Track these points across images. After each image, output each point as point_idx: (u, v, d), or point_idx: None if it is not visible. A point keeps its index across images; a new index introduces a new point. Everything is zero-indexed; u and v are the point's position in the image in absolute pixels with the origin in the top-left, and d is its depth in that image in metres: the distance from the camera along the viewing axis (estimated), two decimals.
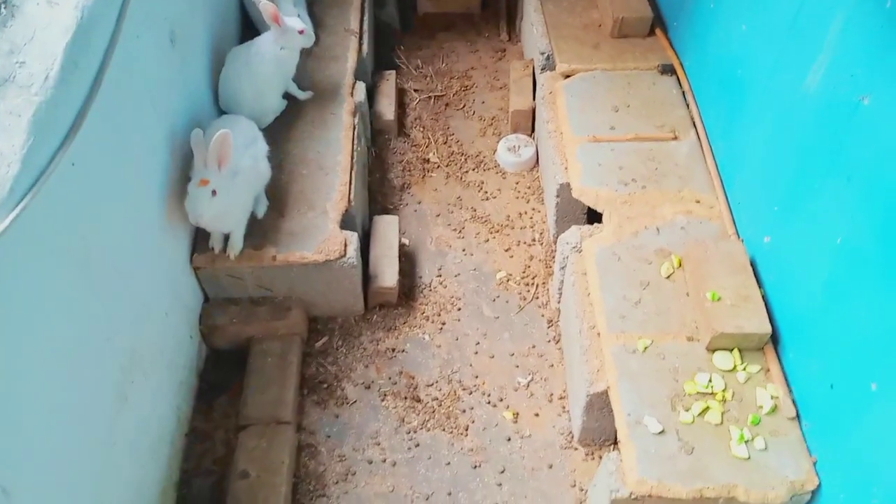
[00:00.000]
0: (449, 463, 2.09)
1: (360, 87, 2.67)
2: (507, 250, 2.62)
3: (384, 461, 2.08)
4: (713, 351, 1.89)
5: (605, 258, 2.09)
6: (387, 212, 2.69)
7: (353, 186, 2.34)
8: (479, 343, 2.36)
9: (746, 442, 1.74)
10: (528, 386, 2.25)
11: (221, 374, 2.23)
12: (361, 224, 2.48)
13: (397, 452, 2.10)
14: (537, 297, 2.48)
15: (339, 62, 2.71)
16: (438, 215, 2.72)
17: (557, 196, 2.43)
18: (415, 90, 3.17)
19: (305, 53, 2.52)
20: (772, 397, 1.80)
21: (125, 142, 1.72)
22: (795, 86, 1.82)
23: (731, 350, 1.88)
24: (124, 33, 1.64)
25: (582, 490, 2.02)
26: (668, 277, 2.04)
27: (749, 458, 1.72)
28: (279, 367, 2.16)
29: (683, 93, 2.56)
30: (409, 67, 3.28)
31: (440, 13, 3.48)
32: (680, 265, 2.06)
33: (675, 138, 2.42)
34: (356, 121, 2.53)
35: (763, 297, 1.90)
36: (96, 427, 1.57)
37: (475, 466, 2.08)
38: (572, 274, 2.14)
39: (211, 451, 2.07)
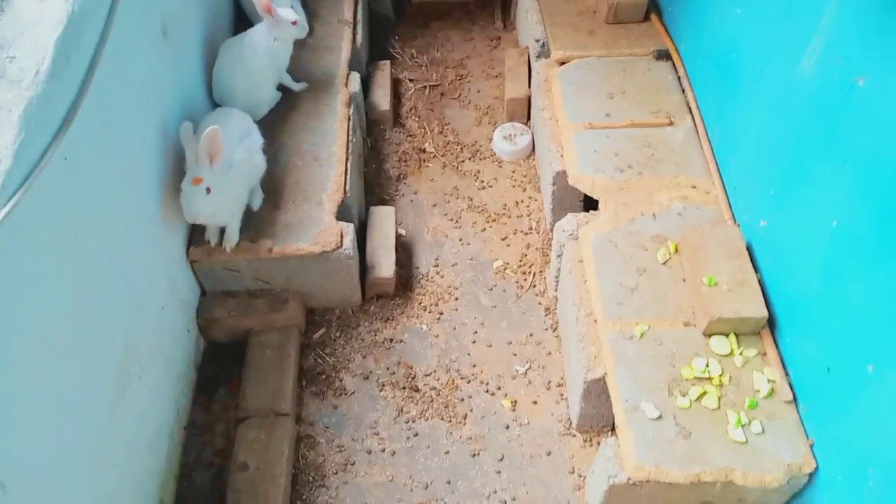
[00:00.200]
0: (448, 451, 2.09)
1: (355, 78, 2.66)
2: (503, 239, 2.61)
3: (383, 451, 2.09)
4: (710, 336, 1.89)
5: (601, 245, 2.09)
6: (383, 202, 2.69)
7: (348, 177, 2.33)
8: (476, 332, 2.36)
9: (743, 426, 1.74)
10: (525, 374, 2.26)
11: (220, 367, 2.24)
12: (358, 215, 2.48)
13: (396, 442, 2.11)
14: (534, 286, 2.48)
15: (334, 53, 2.70)
16: (435, 205, 2.72)
17: (553, 184, 2.42)
18: (410, 80, 3.16)
19: (299, 44, 2.51)
20: (769, 381, 1.80)
21: (118, 136, 1.72)
22: (790, 69, 1.81)
23: (728, 335, 1.88)
24: (116, 27, 1.63)
25: (580, 476, 2.03)
26: (665, 263, 2.04)
27: (746, 441, 1.72)
28: (277, 359, 2.16)
29: (679, 78, 2.55)
30: (404, 57, 3.27)
31: (434, 2, 3.47)
32: (676, 251, 2.06)
33: (671, 124, 2.41)
34: (351, 111, 2.52)
35: (759, 281, 1.90)
36: (94, 421, 1.58)
37: (474, 454, 2.09)
38: (569, 261, 2.14)
39: (210, 443, 2.08)
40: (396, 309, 2.42)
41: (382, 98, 2.91)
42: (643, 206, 2.18)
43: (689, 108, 2.44)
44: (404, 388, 2.22)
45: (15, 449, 1.28)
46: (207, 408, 2.15)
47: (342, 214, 2.25)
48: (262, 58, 2.33)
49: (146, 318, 1.86)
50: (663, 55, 2.63)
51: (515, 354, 2.31)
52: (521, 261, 2.55)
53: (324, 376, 2.24)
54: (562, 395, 2.20)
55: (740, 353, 1.86)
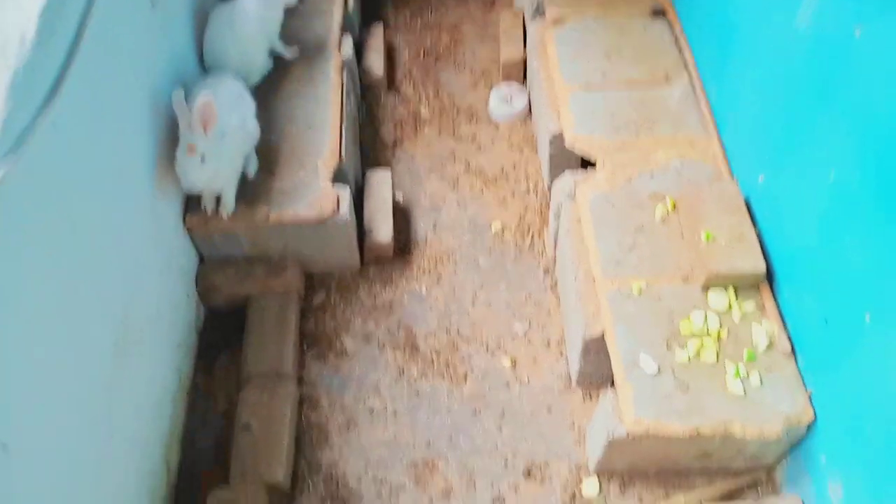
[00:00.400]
0: (449, 410, 2.11)
1: (348, 42, 2.63)
2: (501, 202, 2.61)
3: (385, 410, 2.11)
4: (708, 291, 1.90)
5: (599, 205, 2.09)
6: (379, 167, 2.67)
7: (343, 143, 2.32)
8: (475, 294, 2.37)
9: (742, 379, 1.76)
10: (525, 333, 2.27)
11: (220, 333, 2.25)
12: (354, 181, 2.47)
13: (398, 402, 2.13)
14: (533, 247, 2.48)
15: (325, 17, 2.67)
16: (432, 169, 2.71)
17: (551, 145, 2.41)
18: (404, 44, 3.13)
19: (290, 10, 2.48)
20: (767, 334, 1.81)
21: (108, 104, 1.70)
22: (787, 22, 1.80)
23: (726, 289, 1.89)
24: None
25: (580, 431, 2.06)
26: (663, 221, 2.04)
27: (745, 394, 1.74)
28: (278, 323, 2.17)
29: (675, 37, 2.53)
30: (398, 21, 3.23)
31: None
32: (674, 208, 2.06)
33: (668, 82, 2.39)
34: (344, 76, 2.50)
35: (757, 236, 1.90)
36: (95, 384, 1.59)
37: (475, 412, 2.11)
38: (567, 221, 2.15)
39: (213, 407, 2.10)
40: (395, 273, 2.42)
41: (376, 63, 2.89)
42: (641, 165, 2.17)
43: (686, 66, 2.43)
44: (405, 349, 2.24)
45: (17, 410, 1.29)
46: (209, 373, 2.17)
47: (338, 179, 2.24)
48: (252, 25, 2.29)
49: (144, 284, 1.86)
50: (659, 12, 2.61)
51: (515, 315, 2.32)
52: (519, 223, 2.55)
53: (325, 339, 2.26)
54: (561, 353, 2.22)
55: (739, 308, 1.87)
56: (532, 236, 2.50)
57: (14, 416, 1.29)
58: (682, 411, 1.72)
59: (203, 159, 1.88)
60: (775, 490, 1.92)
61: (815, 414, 1.71)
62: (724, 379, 1.76)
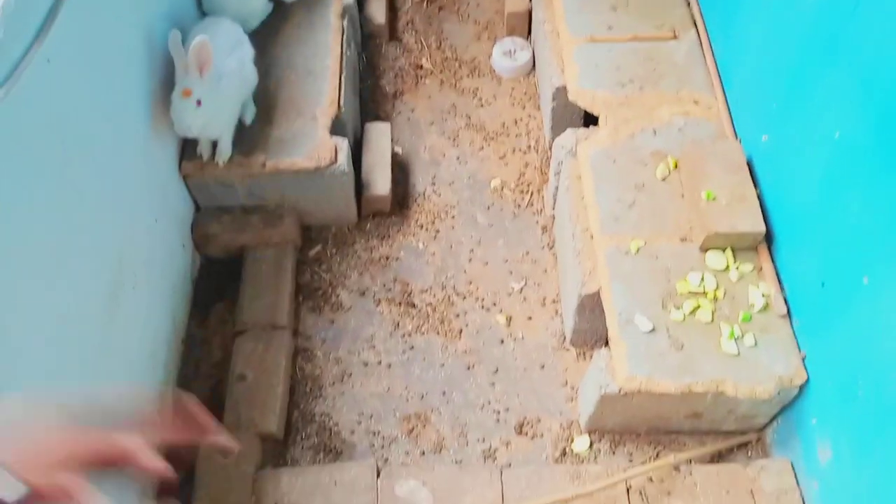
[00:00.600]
0: (443, 364, 2.12)
1: None
2: (501, 158, 2.58)
3: (379, 363, 2.12)
4: (706, 251, 1.88)
5: (600, 161, 2.05)
6: (379, 120, 2.64)
7: (342, 92, 2.28)
8: (472, 250, 2.36)
9: (736, 339, 1.75)
10: (521, 291, 2.26)
11: (216, 283, 2.24)
12: (353, 132, 2.44)
13: (392, 355, 2.13)
14: (532, 205, 2.46)
15: None
16: (432, 123, 2.67)
17: (553, 100, 2.37)
18: None
19: None
20: (763, 295, 1.80)
21: (103, 42, 1.66)
22: None
23: (725, 250, 1.87)
24: None
25: (573, 388, 2.06)
26: (664, 179, 2.01)
27: (738, 354, 1.74)
28: (274, 274, 2.17)
29: None
30: None
31: None
32: (676, 167, 2.03)
33: (675, 38, 2.34)
34: (345, 23, 2.44)
35: (759, 196, 1.88)
36: (89, 327, 1.59)
37: (469, 367, 2.11)
38: (567, 178, 2.12)
39: (208, 356, 2.10)
40: (393, 227, 2.40)
41: (378, 11, 2.82)
42: (644, 121, 2.13)
43: (694, 21, 2.37)
44: (400, 304, 2.23)
45: (9, 354, 1.29)
46: (204, 322, 2.17)
47: (336, 130, 2.21)
48: None
49: (138, 229, 1.85)
50: None
51: (511, 272, 2.31)
52: (518, 180, 2.52)
53: (320, 292, 2.25)
54: (556, 311, 2.21)
55: (736, 268, 1.85)
56: (531, 194, 2.48)
57: (6, 361, 1.28)
58: (675, 369, 1.72)
59: (199, 103, 1.85)
60: (765, 453, 1.93)
61: (807, 375, 1.71)
62: (719, 339, 1.76)
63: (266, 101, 2.21)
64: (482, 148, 2.60)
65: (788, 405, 1.81)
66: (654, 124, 2.12)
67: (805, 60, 1.72)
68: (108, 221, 1.69)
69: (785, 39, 1.81)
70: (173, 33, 1.84)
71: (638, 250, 1.89)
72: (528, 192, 2.49)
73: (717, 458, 1.94)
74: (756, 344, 1.75)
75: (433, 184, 2.51)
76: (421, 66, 2.82)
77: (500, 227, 2.41)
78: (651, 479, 1.81)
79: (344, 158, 2.14)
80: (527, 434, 2.01)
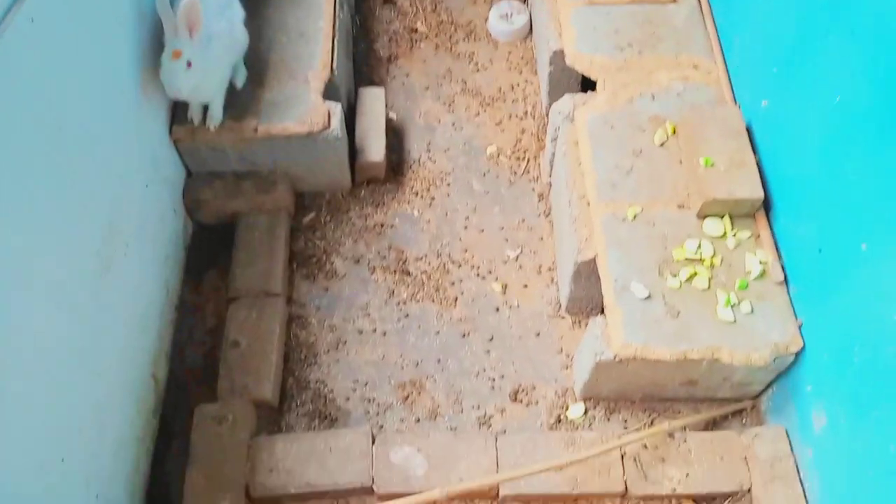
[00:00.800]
0: (438, 332, 2.11)
1: None
2: (498, 124, 2.54)
3: (374, 331, 2.11)
4: (704, 218, 1.86)
5: (597, 126, 2.02)
6: (373, 85, 2.59)
7: (335, 55, 2.23)
8: (468, 218, 2.34)
9: (733, 306, 1.74)
10: (517, 258, 2.25)
11: (209, 250, 2.22)
12: (346, 97, 2.39)
13: (387, 323, 2.12)
14: (528, 172, 2.43)
15: None
16: (427, 88, 2.63)
17: (551, 64, 2.33)
18: None
19: None
20: (760, 262, 1.79)
21: (89, 3, 1.61)
22: None
23: (722, 217, 1.85)
24: None
25: (568, 356, 2.06)
26: (662, 145, 1.99)
27: (735, 321, 1.73)
28: (267, 241, 2.14)
29: None
30: None
31: None
32: (674, 133, 2.00)
33: (674, 0, 2.29)
34: None
35: (757, 162, 1.86)
36: (80, 293, 1.56)
37: (464, 335, 2.10)
38: (564, 144, 2.09)
39: (201, 322, 2.09)
40: (387, 194, 2.38)
41: None
42: (642, 86, 2.10)
43: None
44: (395, 271, 2.22)
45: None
46: (197, 289, 2.15)
47: (329, 94, 2.17)
48: None
49: (129, 194, 1.82)
50: None
51: (507, 240, 2.29)
52: (515, 146, 2.48)
53: (314, 259, 2.23)
54: (552, 279, 2.20)
55: (733, 235, 1.84)
56: (528, 160, 2.45)
57: None
58: (671, 336, 1.71)
59: (189, 64, 1.81)
60: (759, 420, 1.94)
61: (803, 343, 1.71)
62: (715, 306, 1.75)
63: (257, 63, 2.17)
64: (478, 114, 2.56)
65: (784, 372, 1.81)
66: (652, 89, 2.09)
67: (807, 23, 1.69)
68: (97, 186, 1.66)
69: (786, 2, 1.77)
70: None
71: (635, 217, 1.87)
72: (524, 158, 2.46)
73: (712, 425, 1.94)
74: (752, 311, 1.74)
75: (428, 150, 2.48)
76: (416, 30, 2.76)
77: (495, 195, 2.39)
78: (645, 446, 1.81)
79: (337, 123, 2.10)
80: (521, 401, 2.00)
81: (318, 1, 2.30)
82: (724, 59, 2.12)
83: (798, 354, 1.73)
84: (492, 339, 2.10)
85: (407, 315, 2.14)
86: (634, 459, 1.80)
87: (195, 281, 2.17)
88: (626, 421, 1.97)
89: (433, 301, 2.16)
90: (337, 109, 2.12)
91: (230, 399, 1.88)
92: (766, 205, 1.85)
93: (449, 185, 2.41)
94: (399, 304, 2.16)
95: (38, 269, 1.40)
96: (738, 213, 1.85)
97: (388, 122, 2.46)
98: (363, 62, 2.67)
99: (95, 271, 1.63)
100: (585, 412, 1.98)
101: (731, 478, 1.78)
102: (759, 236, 1.84)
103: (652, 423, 1.95)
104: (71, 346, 1.51)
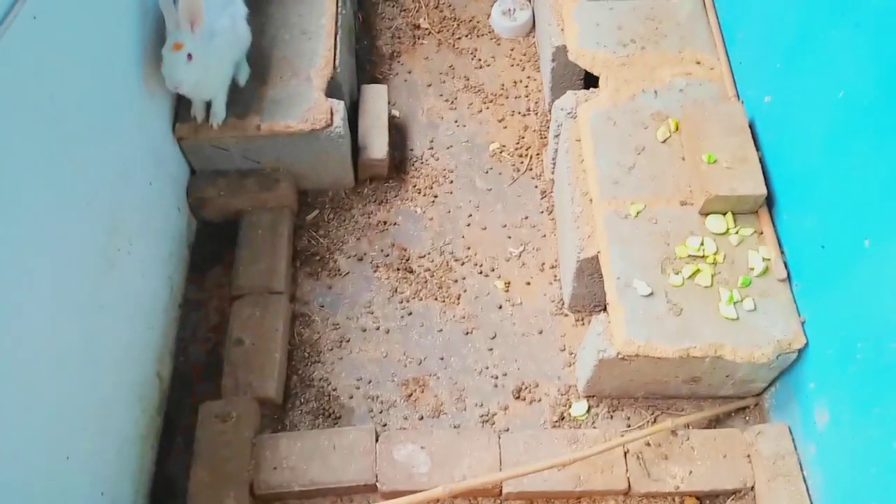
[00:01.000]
0: (441, 330, 2.11)
1: None
2: (500, 121, 2.54)
3: (377, 329, 2.11)
4: (706, 215, 1.86)
5: (600, 123, 2.02)
6: (375, 81, 2.59)
7: (338, 52, 2.23)
8: (471, 215, 2.33)
9: (735, 303, 1.74)
10: (519, 256, 2.25)
11: (212, 247, 2.22)
12: (349, 94, 2.39)
13: (390, 320, 2.13)
14: (531, 169, 2.43)
15: None
16: (430, 85, 2.63)
17: (553, 60, 2.32)
18: None
19: None
20: (763, 259, 1.78)
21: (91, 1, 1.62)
22: None
23: (725, 213, 1.85)
24: None
25: (571, 354, 2.06)
26: (665, 142, 1.98)
27: (737, 318, 1.73)
28: (270, 238, 2.15)
29: None
30: None
31: None
32: (677, 129, 1.99)
33: None
34: None
35: (760, 159, 1.85)
36: (84, 290, 1.57)
37: (467, 333, 2.11)
38: (566, 140, 2.08)
39: (205, 320, 2.10)
40: (390, 192, 2.38)
41: None
42: (645, 82, 2.09)
43: None
44: (398, 269, 2.22)
45: (4, 317, 1.28)
46: (201, 286, 2.16)
47: (332, 91, 2.17)
48: None
49: (132, 191, 1.82)
50: None
51: (510, 237, 2.29)
52: (517, 143, 2.48)
53: (318, 257, 2.23)
54: (555, 276, 2.20)
55: (736, 232, 1.83)
56: (530, 158, 2.44)
57: (1, 324, 1.27)
58: (674, 334, 1.71)
59: (190, 57, 1.81)
60: (763, 418, 1.94)
61: (806, 340, 1.70)
62: (718, 303, 1.74)
63: (260, 60, 2.17)
64: (481, 110, 2.56)
65: (787, 370, 1.81)
66: (655, 85, 2.08)
67: (810, 18, 1.68)
68: (101, 183, 1.66)
69: None
70: None
71: (637, 214, 1.86)
72: (527, 155, 2.45)
73: (715, 422, 1.94)
74: (755, 308, 1.74)
75: (431, 147, 2.48)
76: (418, 26, 2.76)
77: (498, 192, 2.38)
78: (649, 444, 1.81)
79: (340, 121, 2.10)
80: (525, 399, 2.01)
81: None
82: (727, 54, 2.12)
83: (801, 351, 1.73)
84: (495, 336, 2.10)
85: (410, 313, 2.14)
86: (637, 457, 1.80)
87: (199, 278, 2.17)
88: (629, 418, 1.97)
89: (436, 299, 2.16)
90: (340, 107, 2.12)
91: (234, 396, 1.89)
92: (769, 201, 1.85)
93: (452, 182, 2.41)
94: (402, 301, 2.16)
95: (42, 266, 1.41)
96: (740, 209, 1.84)
97: (391, 119, 2.46)
98: (366, 59, 2.67)
99: (99, 269, 1.64)
100: (588, 410, 1.98)
101: (734, 475, 1.78)
102: (761, 233, 1.83)
103: (655, 420, 1.95)
104: (74, 343, 1.52)
